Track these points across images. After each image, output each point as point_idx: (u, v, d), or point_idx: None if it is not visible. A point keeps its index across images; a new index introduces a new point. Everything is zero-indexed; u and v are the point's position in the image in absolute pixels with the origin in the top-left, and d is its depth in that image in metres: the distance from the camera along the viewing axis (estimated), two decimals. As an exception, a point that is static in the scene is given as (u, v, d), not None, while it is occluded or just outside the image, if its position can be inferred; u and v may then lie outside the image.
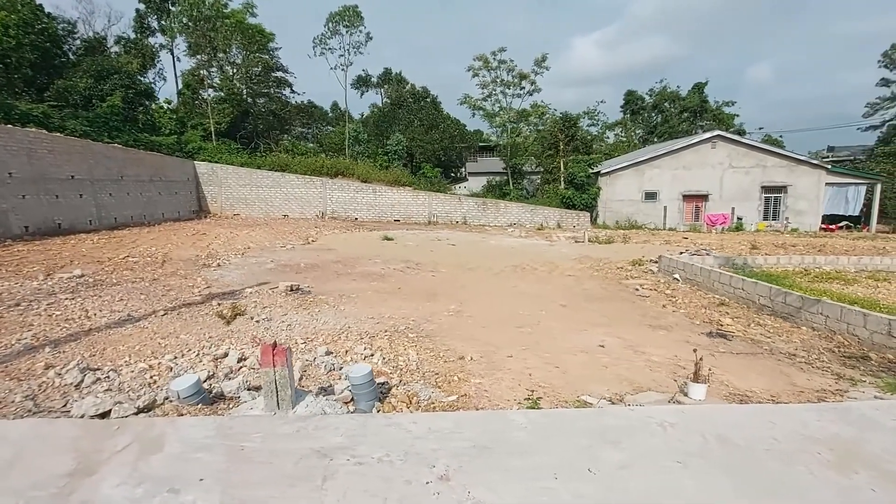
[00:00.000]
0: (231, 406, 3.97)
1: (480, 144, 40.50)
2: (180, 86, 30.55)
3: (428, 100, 38.49)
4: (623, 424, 3.61)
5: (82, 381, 4.35)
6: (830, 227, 24.99)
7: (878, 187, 25.12)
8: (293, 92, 36.05)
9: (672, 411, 3.86)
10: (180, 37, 28.21)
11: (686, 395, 4.14)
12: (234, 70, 32.40)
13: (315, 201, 24.37)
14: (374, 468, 2.97)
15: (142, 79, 25.47)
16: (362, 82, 41.55)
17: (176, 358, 5.07)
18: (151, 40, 28.95)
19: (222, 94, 29.44)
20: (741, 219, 25.32)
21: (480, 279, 10.38)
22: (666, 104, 40.18)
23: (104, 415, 3.74)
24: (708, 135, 26.17)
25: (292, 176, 24.12)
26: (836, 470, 3.00)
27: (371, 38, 33.50)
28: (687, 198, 25.98)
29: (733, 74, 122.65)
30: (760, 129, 50.46)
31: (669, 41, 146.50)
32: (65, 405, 4.02)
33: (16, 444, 3.26)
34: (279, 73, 34.33)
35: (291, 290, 8.45)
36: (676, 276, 10.66)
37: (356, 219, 24.23)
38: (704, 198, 25.93)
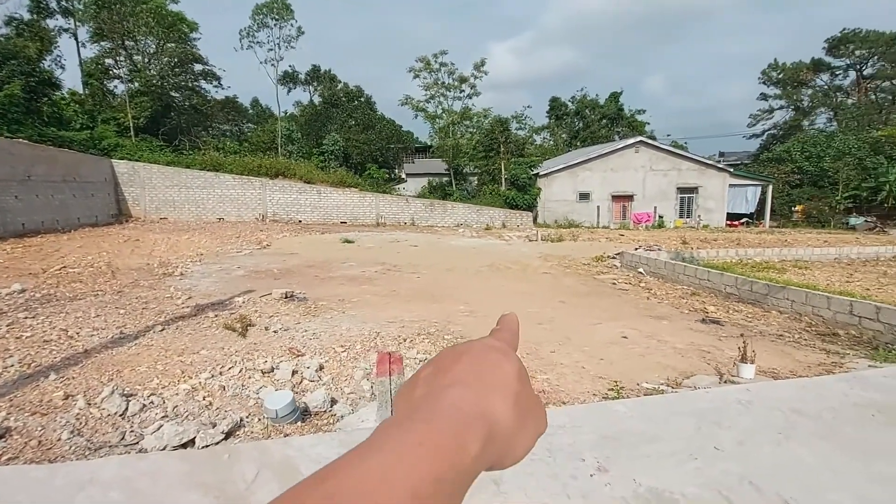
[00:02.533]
0: (326, 422, 3.74)
1: (416, 145, 40.57)
2: (84, 75, 27.09)
3: (362, 99, 37.81)
4: (712, 406, 3.93)
5: (127, 408, 3.84)
6: (734, 223, 28.44)
7: (770, 188, 29.05)
8: (219, 86, 33.59)
9: (741, 390, 4.29)
10: (87, 20, 25.00)
11: (738, 375, 4.61)
12: (147, 60, 29.44)
13: (253, 203, 22.92)
14: (533, 468, 2.99)
15: (43, 66, 22.17)
16: (290, 79, 39.73)
17: (214, 376, 4.62)
18: (50, 22, 25.32)
19: (137, 85, 26.57)
20: (662, 217, 27.94)
21: (465, 279, 10.51)
22: (587, 111, 43.14)
23: (186, 444, 3.35)
24: (632, 140, 28.54)
25: (227, 176, 22.47)
26: (891, 422, 3.56)
27: (303, 33, 32.24)
28: (615, 198, 28.12)
29: (634, 85, 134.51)
30: (668, 136, 55.89)
31: (577, 52, 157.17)
32: (123, 437, 3.53)
33: (123, 487, 2.84)
34: (201, 66, 31.76)
35: (287, 297, 7.98)
36: (641, 270, 11.59)
37: (300, 221, 23.17)
38: (630, 198, 28.22)
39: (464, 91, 30.41)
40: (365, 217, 24.09)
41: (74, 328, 5.93)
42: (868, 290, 9.28)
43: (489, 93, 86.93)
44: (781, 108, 46.76)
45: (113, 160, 20.87)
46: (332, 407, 3.97)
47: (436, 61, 29.04)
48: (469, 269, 11.75)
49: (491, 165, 29.11)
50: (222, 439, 3.41)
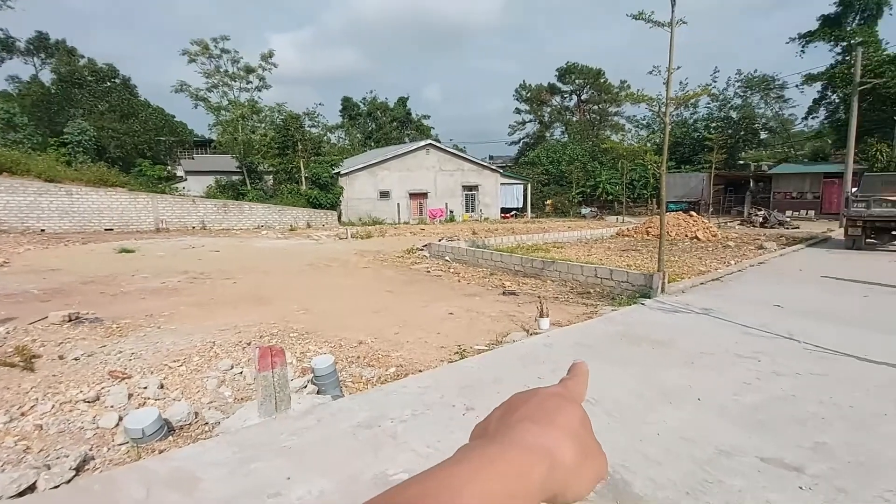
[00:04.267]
0: (200, 430, 3.54)
1: (195, 139, 35.84)
2: None
3: (117, 80, 31.50)
4: (528, 351, 5.17)
5: None
6: (506, 215, 33.96)
7: (529, 186, 35.59)
8: None
9: (543, 337, 5.67)
10: None
11: (539, 327, 6.03)
12: None
13: (-42, 209, 17.07)
14: (419, 420, 3.58)
15: None
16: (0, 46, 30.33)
17: (13, 419, 3.78)
18: None
19: None
20: (452, 212, 31.49)
21: (289, 280, 10.28)
22: (378, 112, 45.08)
23: (25, 492, 2.81)
24: (423, 143, 31.27)
25: None
26: (630, 342, 5.37)
27: (20, -11, 24.96)
28: (412, 195, 30.43)
29: (417, 91, 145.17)
30: (451, 140, 62.40)
31: (362, 55, 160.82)
32: None
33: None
34: None
35: (72, 319, 6.60)
36: (447, 258, 13.20)
37: (42, 230, 18.27)
38: (425, 195, 30.94)
39: (251, 83, 28.32)
40: (140, 222, 20.47)
41: None
42: (601, 259, 12.67)
43: (275, 87, 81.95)
44: (531, 121, 57.36)
45: None
46: (196, 418, 3.77)
47: (216, 46, 26.24)
48: (289, 270, 11.46)
49: (288, 164, 27.99)
50: (74, 476, 2.97)
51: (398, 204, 29.51)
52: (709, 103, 40.41)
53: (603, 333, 5.86)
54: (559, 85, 54.37)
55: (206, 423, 3.65)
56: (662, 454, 3.08)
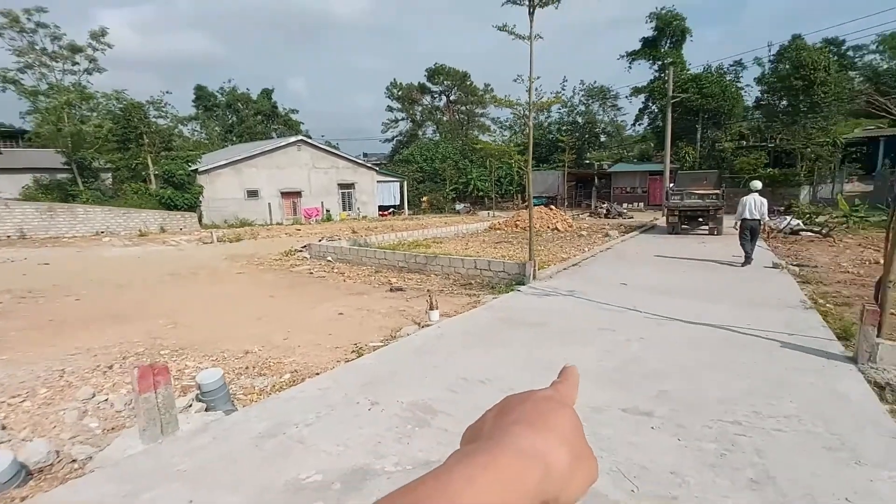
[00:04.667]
0: (68, 470, 3.07)
1: (3, 129, 29.23)
2: None
3: None
4: (421, 343, 5.44)
5: None
6: (384, 213, 34.03)
7: (405, 184, 36.11)
8: None
9: (434, 328, 5.98)
10: None
11: (430, 319, 6.33)
12: None
13: None
14: (325, 422, 3.61)
15: None
16: None
17: None
18: None
19: None
20: (329, 211, 30.58)
21: (149, 292, 9.13)
22: (240, 104, 41.59)
23: None
24: (293, 139, 29.76)
25: None
26: (511, 326, 5.96)
27: None
28: (284, 195, 28.84)
29: (281, 83, 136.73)
30: (323, 136, 59.99)
31: (213, 39, 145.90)
32: None
33: None
34: None
35: None
36: (329, 258, 12.90)
37: None
38: (298, 194, 29.54)
39: (78, 64, 23.96)
40: (-77, 233, 16.19)
41: None
42: (479, 252, 13.53)
43: (112, 71, 70.32)
44: (404, 119, 58.06)
45: None
46: (58, 456, 3.28)
47: (29, 19, 21.60)
48: (148, 281, 10.16)
49: (132, 159, 24.44)
50: None
51: (269, 204, 27.71)
52: (560, 109, 45.15)
53: (487, 321, 6.39)
54: (429, 85, 55.89)
55: (74, 461, 3.19)
56: (548, 418, 3.55)
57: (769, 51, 36.93)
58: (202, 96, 41.31)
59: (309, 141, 30.85)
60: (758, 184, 10.39)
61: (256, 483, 2.80)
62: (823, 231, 15.24)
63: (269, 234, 20.59)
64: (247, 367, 5.07)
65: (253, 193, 27.23)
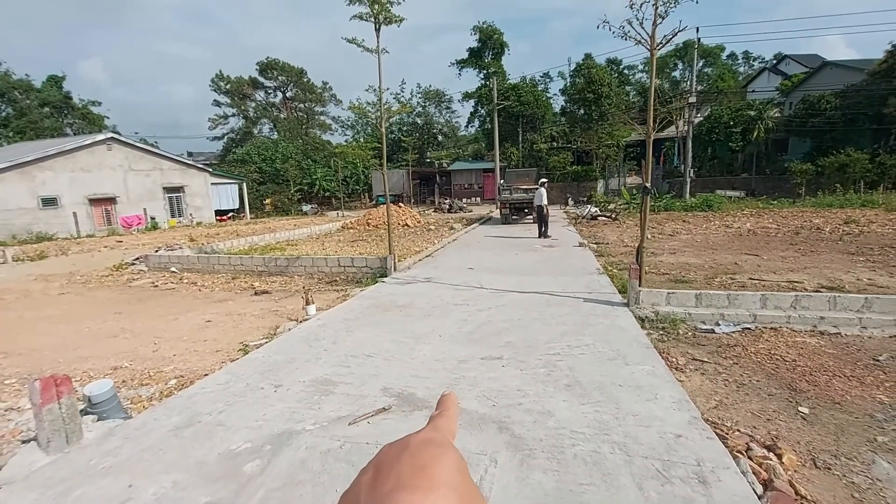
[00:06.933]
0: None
1: None
2: None
3: None
4: (306, 334, 5.95)
5: None
6: (223, 217, 31.44)
7: (244, 185, 33.81)
8: None
9: (315, 320, 6.49)
10: None
11: (308, 314, 6.78)
12: None
13: None
14: (237, 406, 4.01)
15: None
16: None
17: None
18: None
19: None
20: (154, 218, 27.12)
21: (-62, 326, 7.54)
22: (17, 93, 33.73)
23: None
24: (101, 137, 25.59)
25: None
26: (383, 310, 6.83)
27: None
28: (94, 202, 24.72)
29: (68, 69, 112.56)
30: (136, 133, 51.87)
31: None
32: None
33: None
34: None
35: None
36: (174, 268, 11.98)
37: None
38: (112, 201, 25.60)
39: None
40: None
41: None
42: (336, 251, 13.97)
43: None
44: (234, 115, 53.68)
45: None
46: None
47: None
48: (-72, 315, 8.26)
49: None
50: None
51: (74, 213, 23.42)
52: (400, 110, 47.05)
53: (361, 308, 7.12)
54: (262, 80, 52.69)
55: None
56: (427, 372, 4.53)
57: (569, 66, 44.20)
58: (-47, 80, 32.27)
59: (121, 139, 26.85)
60: (545, 181, 16.11)
61: (191, 461, 3.17)
62: (613, 216, 19.44)
63: (82, 248, 17.66)
64: (123, 381, 4.96)
65: (50, 201, 22.74)
